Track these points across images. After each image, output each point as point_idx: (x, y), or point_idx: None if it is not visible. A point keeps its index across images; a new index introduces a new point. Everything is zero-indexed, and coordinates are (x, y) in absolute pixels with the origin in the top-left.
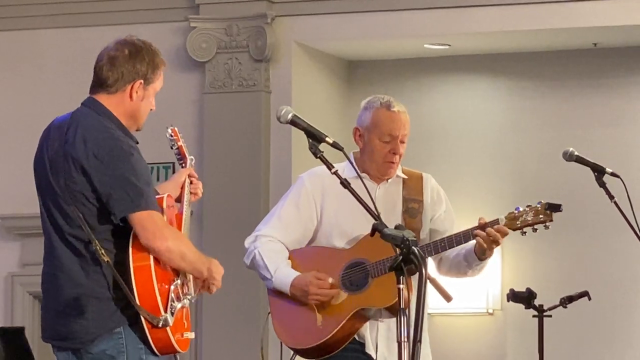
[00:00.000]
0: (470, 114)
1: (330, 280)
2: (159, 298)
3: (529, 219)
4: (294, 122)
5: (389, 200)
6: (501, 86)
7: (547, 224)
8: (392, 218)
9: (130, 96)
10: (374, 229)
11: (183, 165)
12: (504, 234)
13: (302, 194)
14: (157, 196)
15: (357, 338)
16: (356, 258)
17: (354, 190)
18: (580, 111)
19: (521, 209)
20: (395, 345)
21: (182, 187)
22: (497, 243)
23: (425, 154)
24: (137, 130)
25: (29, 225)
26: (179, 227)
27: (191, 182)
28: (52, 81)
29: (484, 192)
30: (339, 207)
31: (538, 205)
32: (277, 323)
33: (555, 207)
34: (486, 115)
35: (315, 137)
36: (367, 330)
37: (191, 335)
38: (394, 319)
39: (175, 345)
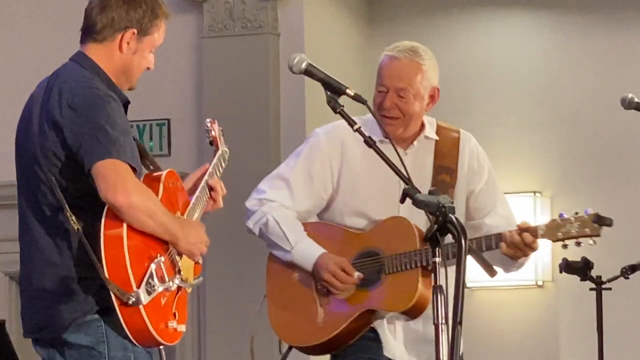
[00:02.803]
0: (510, 55)
1: (355, 275)
2: (130, 271)
3: (573, 231)
4: (309, 73)
5: (417, 171)
6: (546, 21)
7: (593, 239)
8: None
9: (120, 47)
10: (405, 194)
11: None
12: (534, 249)
13: (316, 159)
14: (155, 173)
15: (375, 327)
16: (370, 246)
17: (380, 150)
18: (639, 49)
19: (565, 217)
20: (414, 345)
21: (198, 180)
22: (526, 254)
23: (459, 102)
24: (129, 89)
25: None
26: (182, 214)
27: (212, 189)
28: (30, 37)
29: (527, 145)
30: (359, 175)
31: (585, 216)
32: (272, 311)
33: (604, 221)
34: (529, 55)
35: (334, 89)
36: (385, 327)
37: (180, 327)
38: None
39: (154, 333)
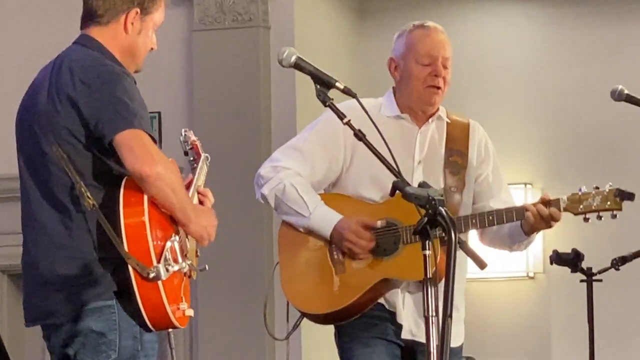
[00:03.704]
0: (501, 47)
1: (378, 223)
2: (151, 245)
3: (595, 205)
4: (299, 66)
5: (430, 149)
6: (536, 13)
7: (615, 212)
8: (432, 172)
9: (125, 28)
10: (395, 187)
11: (195, 164)
12: (557, 220)
13: (330, 130)
14: None
15: (385, 305)
16: (388, 217)
17: (369, 142)
18: (631, 41)
19: (585, 190)
20: (419, 317)
21: (190, 182)
22: (549, 226)
23: (449, 94)
24: (136, 72)
25: None
26: None
27: (203, 195)
28: (28, 31)
29: (518, 137)
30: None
31: (606, 190)
32: (285, 278)
33: (627, 196)
34: (519, 48)
35: (323, 83)
36: (399, 299)
37: (189, 311)
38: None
39: (170, 313)
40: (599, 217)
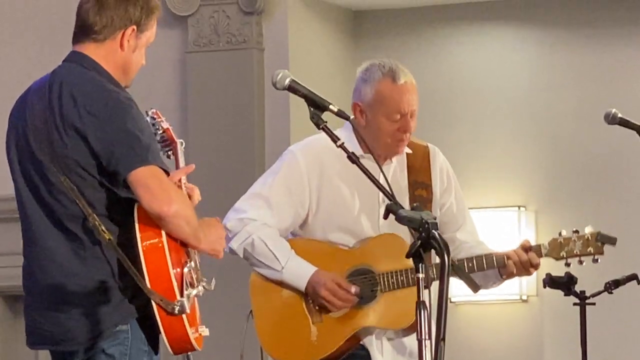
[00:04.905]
0: (495, 70)
1: (353, 290)
2: (174, 280)
3: (576, 250)
4: (292, 89)
5: (394, 183)
6: (530, 37)
7: (597, 257)
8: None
9: (122, 45)
10: (388, 210)
11: (171, 152)
12: (536, 266)
13: (294, 174)
14: None
15: (363, 343)
16: (361, 264)
17: (363, 166)
18: (624, 65)
19: (565, 235)
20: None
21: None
22: (529, 273)
23: (443, 117)
24: (125, 88)
25: None
26: None
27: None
28: (16, 37)
29: (511, 160)
30: (339, 192)
31: (587, 235)
32: (260, 327)
33: (608, 240)
34: (513, 70)
35: (317, 105)
36: (373, 343)
37: (205, 331)
38: (401, 334)
39: (193, 341)
40: (580, 262)
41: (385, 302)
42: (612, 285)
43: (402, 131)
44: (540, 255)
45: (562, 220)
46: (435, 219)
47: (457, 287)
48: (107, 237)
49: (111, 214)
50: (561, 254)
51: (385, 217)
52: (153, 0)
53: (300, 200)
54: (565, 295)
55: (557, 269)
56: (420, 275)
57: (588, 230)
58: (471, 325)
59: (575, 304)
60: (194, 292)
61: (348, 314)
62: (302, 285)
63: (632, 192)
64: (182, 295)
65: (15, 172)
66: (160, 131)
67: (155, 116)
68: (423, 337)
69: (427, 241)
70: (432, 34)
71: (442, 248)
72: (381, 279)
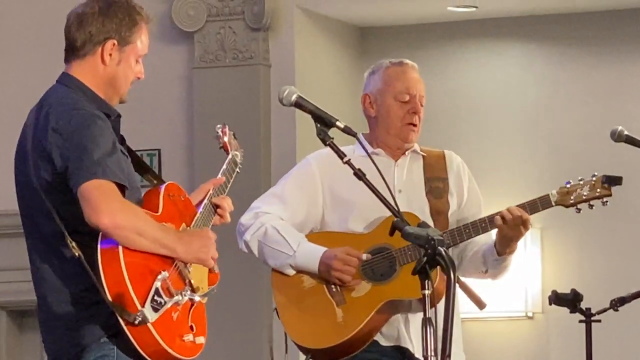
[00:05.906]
0: (501, 87)
1: (364, 256)
2: (131, 290)
3: (585, 194)
4: (299, 105)
5: (409, 178)
6: (536, 53)
7: (605, 199)
8: (415, 198)
9: (102, 59)
10: (394, 227)
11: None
12: (525, 220)
13: (306, 176)
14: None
15: (379, 341)
16: (378, 244)
17: (369, 182)
18: (630, 82)
19: (572, 183)
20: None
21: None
22: (519, 232)
23: (449, 133)
24: (121, 102)
25: None
26: (188, 225)
27: (218, 207)
28: (15, 54)
29: (517, 177)
30: (355, 187)
31: (593, 179)
32: (287, 320)
33: (614, 180)
34: (519, 87)
35: (324, 122)
36: (401, 324)
37: (199, 339)
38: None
39: (169, 350)
40: (591, 207)
41: (406, 274)
42: (618, 303)
43: (411, 112)
44: (550, 204)
45: (567, 237)
46: (441, 235)
47: (463, 304)
48: (77, 253)
49: (82, 228)
50: (570, 200)
51: (391, 233)
52: (137, 12)
53: (313, 198)
54: (570, 312)
55: (563, 286)
56: (427, 292)
57: (593, 176)
58: (477, 342)
59: (581, 321)
60: (170, 303)
61: (370, 291)
62: (314, 265)
63: (639, 209)
64: (143, 305)
65: (17, 189)
66: (220, 145)
67: (220, 132)
68: (429, 353)
69: (433, 258)
70: (438, 51)
71: (449, 265)
72: (399, 254)
